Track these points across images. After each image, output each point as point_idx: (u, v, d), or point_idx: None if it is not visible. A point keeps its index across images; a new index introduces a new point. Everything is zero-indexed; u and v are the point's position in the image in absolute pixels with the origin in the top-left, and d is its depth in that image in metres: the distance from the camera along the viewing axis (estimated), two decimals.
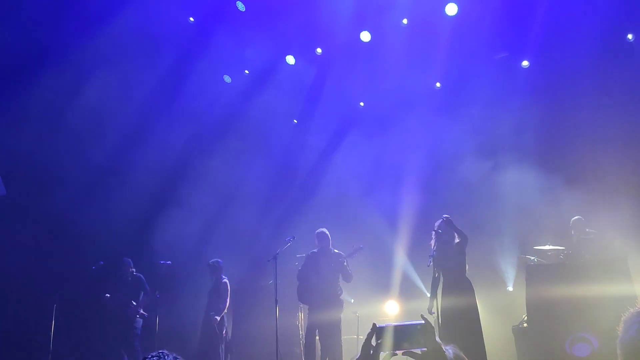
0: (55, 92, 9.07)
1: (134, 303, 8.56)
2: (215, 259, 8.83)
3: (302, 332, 9.36)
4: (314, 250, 8.10)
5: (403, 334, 1.82)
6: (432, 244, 7.16)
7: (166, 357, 1.97)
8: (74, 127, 9.45)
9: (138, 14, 8.83)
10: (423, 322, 1.84)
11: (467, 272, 7.12)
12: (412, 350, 1.81)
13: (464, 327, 6.61)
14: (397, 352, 1.82)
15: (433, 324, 2.03)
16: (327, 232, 8.01)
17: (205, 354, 8.34)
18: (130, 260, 8.98)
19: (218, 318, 8.45)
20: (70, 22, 8.69)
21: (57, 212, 9.14)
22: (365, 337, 1.86)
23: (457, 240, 7.10)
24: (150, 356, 1.96)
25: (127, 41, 9.10)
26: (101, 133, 9.61)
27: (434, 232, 7.17)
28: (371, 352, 1.83)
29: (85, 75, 9.24)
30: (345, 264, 7.77)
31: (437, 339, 1.84)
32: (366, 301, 10.07)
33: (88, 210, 9.50)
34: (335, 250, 7.96)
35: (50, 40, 8.69)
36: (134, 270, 8.93)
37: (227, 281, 8.71)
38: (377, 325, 1.83)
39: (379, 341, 1.82)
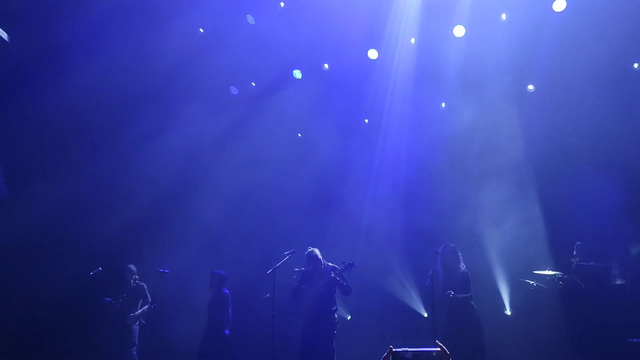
0: (60, 97, 9.13)
1: (133, 313, 8.47)
2: (220, 271, 8.72)
3: None
4: (308, 268, 8.04)
5: None
6: (436, 266, 7.19)
7: None
8: (79, 130, 9.50)
9: (150, 21, 8.93)
10: (439, 349, 1.84)
11: (471, 297, 7.16)
12: None
13: (467, 351, 6.60)
14: None
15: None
16: (317, 253, 7.85)
17: None
18: (133, 267, 8.90)
19: (227, 332, 8.39)
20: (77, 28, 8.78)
21: (58, 215, 9.13)
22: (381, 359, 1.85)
23: (463, 266, 7.17)
24: None
25: (134, 47, 9.19)
26: (107, 137, 9.64)
27: (438, 257, 7.20)
28: None
29: (91, 79, 9.29)
30: (339, 279, 7.62)
31: None
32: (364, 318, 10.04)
33: (90, 215, 9.51)
34: (330, 264, 7.89)
35: (63, 47, 8.78)
36: (137, 277, 8.85)
37: (229, 293, 8.63)
38: (394, 349, 1.83)
39: None
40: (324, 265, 7.86)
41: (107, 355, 8.53)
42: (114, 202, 9.84)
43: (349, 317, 10.32)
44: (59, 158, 9.51)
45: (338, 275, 7.57)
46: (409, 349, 1.84)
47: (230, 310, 8.47)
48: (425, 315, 10.27)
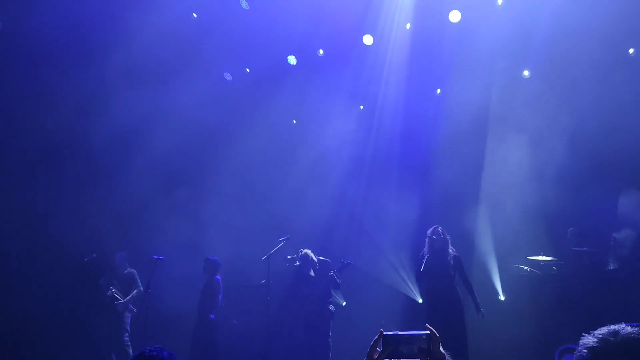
0: (54, 81, 9.05)
1: (120, 299, 8.48)
2: (214, 257, 8.78)
3: None
4: (300, 267, 8.32)
5: (409, 343, 1.85)
6: (425, 250, 7.21)
7: (162, 352, 2.00)
8: (71, 116, 9.42)
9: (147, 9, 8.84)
10: (429, 332, 1.86)
11: (456, 279, 7.19)
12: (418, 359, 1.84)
13: (449, 333, 6.61)
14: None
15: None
16: (310, 255, 8.22)
17: (200, 353, 8.29)
18: (125, 254, 8.92)
19: (213, 317, 8.47)
20: (69, 21, 8.67)
21: (49, 202, 9.09)
22: (372, 343, 1.89)
23: (451, 249, 7.17)
24: (148, 350, 2.00)
25: (124, 31, 9.09)
26: (99, 125, 9.56)
27: (427, 239, 7.22)
28: (376, 357, 1.87)
29: (87, 66, 9.21)
30: (331, 273, 8.03)
31: (442, 349, 1.86)
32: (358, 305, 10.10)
33: (81, 203, 9.46)
34: (321, 258, 8.12)
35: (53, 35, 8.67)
36: (128, 265, 8.88)
37: (220, 280, 8.70)
38: (384, 333, 1.86)
39: (385, 348, 1.84)
40: (317, 264, 8.25)
41: (99, 342, 8.55)
42: (109, 190, 9.79)
43: (344, 303, 10.37)
44: (54, 145, 9.45)
45: (335, 274, 8.01)
46: (400, 332, 1.86)
47: (220, 297, 8.57)
48: (420, 301, 10.33)
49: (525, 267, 9.06)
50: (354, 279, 9.63)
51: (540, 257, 8.88)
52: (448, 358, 1.97)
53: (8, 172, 9.02)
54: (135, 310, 8.64)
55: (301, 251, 8.32)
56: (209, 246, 9.78)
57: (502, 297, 9.77)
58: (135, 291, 8.70)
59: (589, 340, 1.77)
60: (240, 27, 9.83)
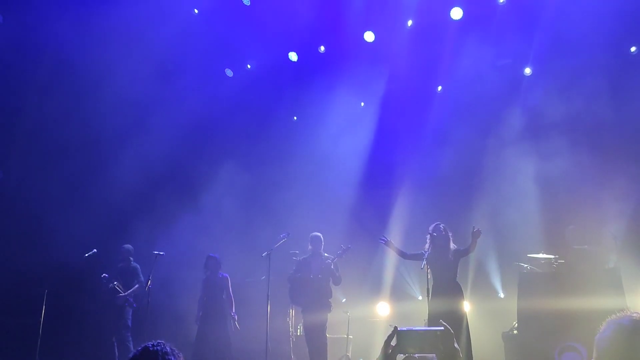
0: (54, 80, 9.05)
1: (121, 292, 8.47)
2: (215, 254, 8.76)
3: (291, 330, 9.40)
4: (305, 256, 8.29)
5: (423, 339, 1.87)
6: (427, 247, 7.18)
7: (165, 346, 2.00)
8: (73, 114, 9.43)
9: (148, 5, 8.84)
10: (443, 328, 1.87)
11: (457, 276, 7.19)
12: (430, 354, 1.86)
13: (452, 330, 6.60)
14: (416, 355, 1.87)
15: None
16: (321, 236, 8.21)
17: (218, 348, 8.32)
18: (130, 247, 8.87)
19: (236, 317, 8.52)
20: (69, 12, 8.65)
21: (50, 197, 9.09)
22: (386, 338, 1.91)
23: (453, 246, 7.14)
24: (151, 344, 1.99)
25: (130, 31, 9.08)
26: (99, 119, 9.56)
27: (428, 235, 7.20)
28: (390, 351, 1.88)
29: (88, 62, 9.20)
30: (333, 267, 7.93)
31: (456, 345, 1.87)
32: (357, 301, 10.09)
33: (82, 197, 9.47)
34: (325, 254, 8.13)
35: (52, 29, 8.65)
36: (132, 259, 8.84)
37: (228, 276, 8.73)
38: (399, 329, 1.87)
39: (399, 343, 1.86)
40: (323, 252, 8.15)
41: (100, 336, 8.56)
42: (108, 185, 9.78)
43: (344, 300, 10.39)
44: (54, 139, 9.45)
45: (332, 262, 7.90)
46: (414, 328, 1.88)
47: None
48: (420, 298, 10.35)
49: (526, 265, 9.05)
50: (353, 276, 9.61)
51: (540, 255, 8.87)
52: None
53: (8, 167, 9.02)
54: (135, 305, 8.59)
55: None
56: (209, 242, 9.78)
57: (501, 295, 9.79)
58: (136, 285, 8.62)
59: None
60: (242, 23, 9.82)
